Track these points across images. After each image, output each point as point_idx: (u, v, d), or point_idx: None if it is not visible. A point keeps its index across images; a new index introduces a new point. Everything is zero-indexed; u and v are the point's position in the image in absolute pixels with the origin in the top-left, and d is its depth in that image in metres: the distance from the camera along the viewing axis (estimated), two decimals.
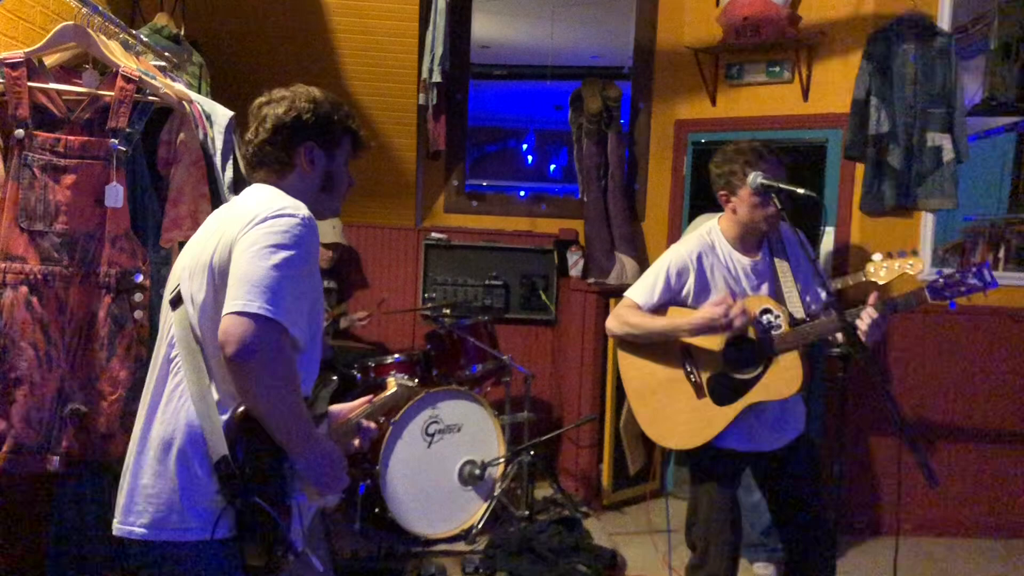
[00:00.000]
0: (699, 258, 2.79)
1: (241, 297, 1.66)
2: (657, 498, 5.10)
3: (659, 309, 2.81)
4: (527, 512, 4.43)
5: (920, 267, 2.83)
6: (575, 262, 5.32)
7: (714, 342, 2.75)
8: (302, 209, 1.81)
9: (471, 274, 5.46)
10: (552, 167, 8.82)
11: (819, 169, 4.93)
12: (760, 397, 2.71)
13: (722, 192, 2.78)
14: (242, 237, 1.74)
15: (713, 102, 5.25)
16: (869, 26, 4.66)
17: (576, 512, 4.54)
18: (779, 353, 2.68)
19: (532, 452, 4.49)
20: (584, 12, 6.03)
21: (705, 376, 2.77)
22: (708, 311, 2.65)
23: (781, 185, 2.65)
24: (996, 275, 4.93)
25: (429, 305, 5.05)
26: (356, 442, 2.12)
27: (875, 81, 4.56)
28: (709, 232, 2.85)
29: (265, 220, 1.75)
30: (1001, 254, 5.06)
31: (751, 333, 2.71)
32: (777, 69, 5.00)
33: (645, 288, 2.82)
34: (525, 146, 8.95)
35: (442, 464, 4.26)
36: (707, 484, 2.83)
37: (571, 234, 5.42)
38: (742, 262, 2.81)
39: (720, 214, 2.88)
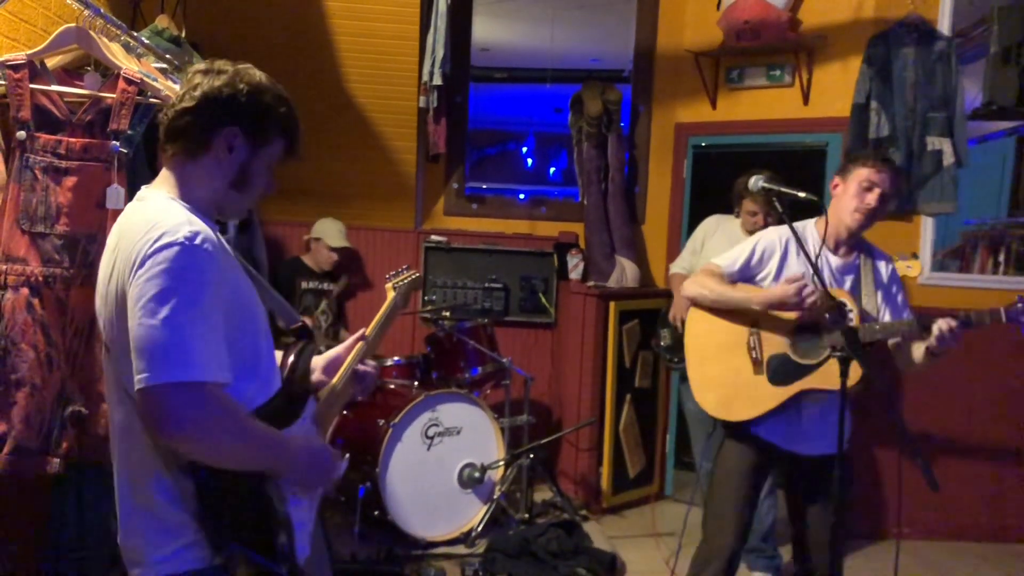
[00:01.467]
0: (787, 243, 2.87)
1: (145, 370, 1.51)
2: (657, 501, 5.11)
3: (734, 282, 2.90)
4: (526, 515, 4.43)
5: (919, 270, 2.87)
6: (575, 265, 5.32)
7: (785, 324, 2.81)
8: (181, 229, 1.58)
9: (471, 277, 5.45)
10: (552, 170, 8.81)
11: (819, 173, 4.93)
12: (816, 384, 2.75)
13: (835, 181, 2.87)
14: (130, 290, 1.57)
15: (713, 106, 5.25)
16: (869, 30, 4.66)
17: (575, 515, 4.54)
18: (866, 342, 2.71)
19: (532, 455, 4.48)
20: (584, 15, 6.03)
21: (767, 354, 2.84)
22: (784, 287, 2.72)
23: (782, 188, 2.66)
24: (996, 280, 4.97)
25: (429, 308, 5.05)
26: (356, 391, 2.09)
27: (875, 85, 4.57)
28: (805, 226, 2.92)
29: (144, 263, 1.56)
30: (1001, 258, 5.06)
31: (823, 317, 2.74)
32: (777, 73, 5.00)
33: (730, 256, 2.92)
34: (525, 149, 8.94)
35: (441, 467, 4.26)
36: (733, 464, 2.91)
37: (571, 237, 5.43)
38: (831, 259, 2.86)
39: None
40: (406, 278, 2.39)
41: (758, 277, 2.90)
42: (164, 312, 1.52)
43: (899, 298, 2.90)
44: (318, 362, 2.09)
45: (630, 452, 5.06)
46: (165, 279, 1.54)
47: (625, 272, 5.16)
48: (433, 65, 4.89)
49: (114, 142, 2.55)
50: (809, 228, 2.92)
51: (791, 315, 2.79)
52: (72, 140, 2.54)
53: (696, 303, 2.99)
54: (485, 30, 5.82)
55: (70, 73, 2.70)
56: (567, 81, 6.14)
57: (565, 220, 5.57)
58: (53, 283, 2.51)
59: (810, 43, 4.84)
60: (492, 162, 8.72)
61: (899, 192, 2.90)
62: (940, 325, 2.63)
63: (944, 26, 4.68)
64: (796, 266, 2.85)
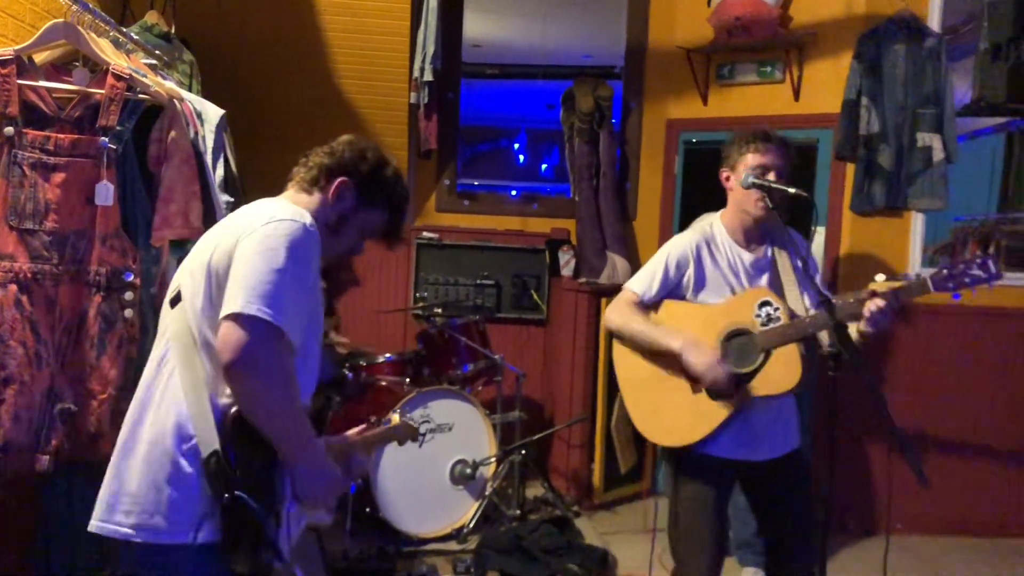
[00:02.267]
0: (698, 249, 2.77)
1: (239, 299, 1.66)
2: (649, 497, 5.11)
3: (658, 302, 2.80)
4: (518, 511, 4.43)
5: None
6: (566, 262, 5.32)
7: (711, 336, 2.70)
8: (306, 217, 1.82)
9: (463, 273, 5.45)
10: (544, 167, 8.81)
11: (810, 169, 4.94)
12: (756, 391, 2.67)
13: (724, 171, 2.79)
14: (243, 240, 1.75)
15: (704, 102, 5.25)
16: (860, 27, 4.67)
17: (567, 511, 4.55)
18: (777, 346, 2.64)
19: (523, 451, 4.49)
20: (576, 11, 6.03)
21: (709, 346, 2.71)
22: (706, 361, 2.62)
23: (772, 184, 2.65)
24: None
25: (420, 304, 5.04)
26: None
27: (866, 82, 4.58)
28: (711, 225, 2.84)
29: (268, 223, 1.76)
30: (991, 254, 5.07)
31: (750, 327, 2.67)
32: (768, 69, 5.01)
33: (645, 279, 2.80)
34: (517, 145, 8.94)
35: (433, 463, 4.26)
36: (691, 492, 2.76)
37: (563, 234, 5.43)
38: (742, 256, 2.79)
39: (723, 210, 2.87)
40: (413, 423, 2.45)
41: (680, 289, 2.79)
42: (275, 263, 1.70)
43: (817, 279, 2.74)
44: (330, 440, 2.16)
45: (621, 448, 5.02)
46: (283, 240, 1.74)
47: (616, 268, 5.16)
48: (424, 61, 4.88)
49: (103, 138, 2.53)
50: (716, 226, 2.83)
51: (718, 323, 2.70)
52: (61, 136, 2.53)
53: (613, 332, 2.86)
54: (476, 26, 5.81)
55: (58, 69, 2.68)
56: (559, 77, 6.16)
57: (557, 216, 5.56)
58: (42, 280, 2.50)
59: (801, 40, 4.84)
60: (484, 159, 8.72)
61: (792, 163, 2.76)
62: (870, 306, 2.49)
63: (934, 23, 4.70)
64: (713, 271, 2.77)
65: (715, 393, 2.69)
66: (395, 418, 2.37)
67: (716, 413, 2.69)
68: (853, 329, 2.60)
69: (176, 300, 1.85)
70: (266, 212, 1.82)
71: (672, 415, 2.76)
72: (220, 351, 1.65)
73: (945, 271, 2.50)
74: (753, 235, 2.80)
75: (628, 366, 2.86)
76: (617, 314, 2.81)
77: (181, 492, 1.70)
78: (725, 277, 2.77)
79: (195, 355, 1.76)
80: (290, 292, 1.71)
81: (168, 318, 1.86)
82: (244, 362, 1.63)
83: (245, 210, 1.90)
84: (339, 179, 1.96)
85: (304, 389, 1.86)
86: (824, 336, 2.67)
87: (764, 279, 2.78)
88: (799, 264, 2.76)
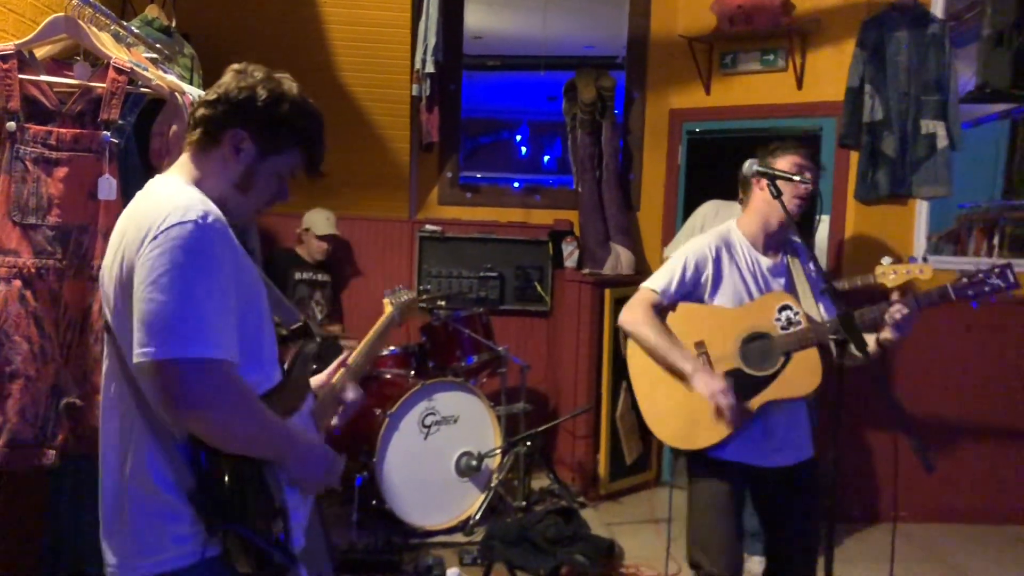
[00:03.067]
0: (717, 251, 2.75)
1: (151, 343, 1.51)
2: (655, 487, 5.12)
3: (675, 303, 2.76)
4: (524, 503, 4.43)
5: (930, 273, 2.77)
6: (570, 253, 5.31)
7: (731, 336, 2.69)
8: (193, 209, 1.59)
9: (466, 266, 5.45)
10: (546, 158, 8.80)
11: (814, 158, 4.91)
12: (777, 394, 2.65)
13: (755, 183, 2.76)
14: (138, 264, 1.56)
15: (707, 91, 5.24)
16: (863, 14, 4.65)
17: (573, 502, 4.55)
18: (798, 349, 2.64)
19: (528, 443, 4.49)
20: (577, 2, 6.01)
21: (719, 372, 2.68)
22: (713, 389, 2.59)
23: (777, 172, 2.64)
24: (990, 262, 4.98)
25: (424, 297, 5.04)
26: (334, 421, 2.03)
27: (869, 69, 4.56)
28: (728, 230, 2.82)
29: (156, 238, 1.55)
30: (995, 241, 5.07)
31: (770, 331, 2.66)
32: (771, 58, 4.99)
33: (664, 277, 2.77)
34: (519, 137, 8.92)
35: (439, 455, 4.26)
36: (707, 492, 2.72)
37: (566, 225, 5.42)
38: (760, 261, 2.77)
39: (733, 214, 2.87)
40: (404, 296, 2.36)
41: (698, 290, 2.76)
42: (176, 286, 1.52)
43: (826, 299, 2.79)
44: (317, 378, 2.08)
45: (627, 439, 5.06)
46: (178, 254, 1.54)
47: (620, 259, 5.16)
48: (426, 53, 4.87)
49: (105, 132, 2.52)
50: (734, 232, 2.81)
51: (738, 326, 2.69)
52: (63, 131, 2.52)
53: (625, 333, 2.82)
54: (478, 18, 5.79)
55: (59, 63, 2.67)
56: (560, 68, 6.13)
57: (560, 208, 5.56)
58: (46, 275, 2.50)
59: (803, 27, 4.83)
60: (486, 151, 8.70)
61: (817, 172, 2.81)
62: (894, 314, 2.54)
63: (937, 9, 4.68)
64: (731, 274, 2.74)
65: (737, 390, 2.64)
66: (386, 304, 2.28)
67: (725, 425, 2.65)
68: (872, 339, 2.63)
69: (109, 330, 1.73)
70: (155, 214, 1.59)
71: (686, 418, 2.71)
72: (157, 405, 1.55)
73: (965, 279, 2.57)
74: (771, 242, 2.80)
75: (641, 364, 2.81)
76: (632, 317, 2.76)
77: (179, 525, 1.64)
78: (744, 280, 2.75)
79: (138, 392, 1.64)
80: (206, 308, 1.54)
81: (108, 347, 1.74)
82: (186, 407, 1.51)
83: (140, 203, 1.70)
84: (231, 131, 1.72)
85: (265, 375, 1.76)
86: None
87: (781, 283, 2.78)
88: (811, 269, 2.80)
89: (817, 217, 4.18)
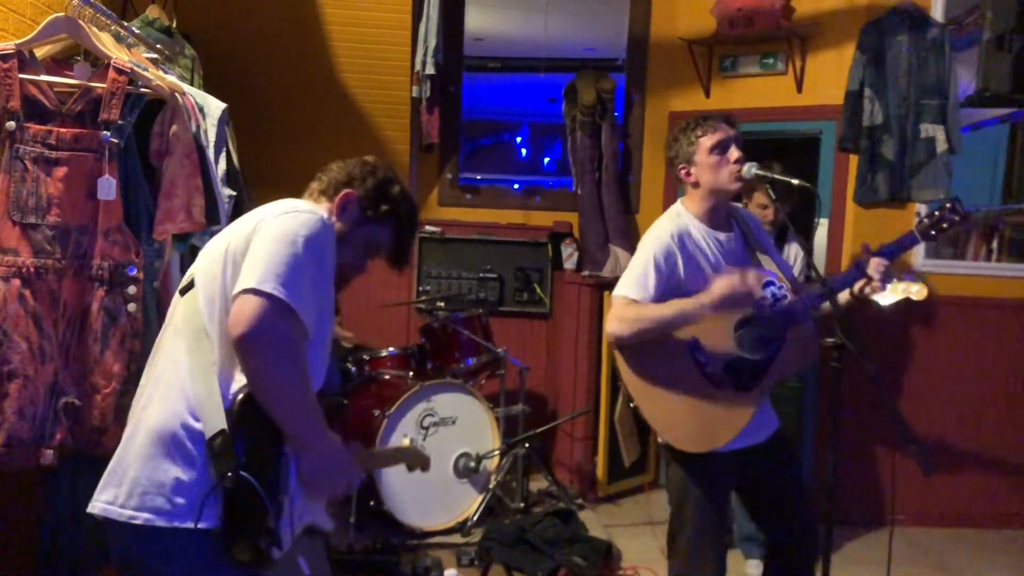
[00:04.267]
0: (680, 237, 2.66)
1: (255, 276, 1.67)
2: (653, 489, 5.12)
3: (658, 301, 2.64)
4: (522, 504, 4.44)
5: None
6: (569, 255, 5.32)
7: (722, 328, 2.62)
8: (318, 210, 1.87)
9: (465, 267, 5.45)
10: (546, 160, 8.80)
11: (813, 161, 4.93)
12: (782, 373, 2.65)
13: (682, 166, 2.71)
14: (262, 226, 1.78)
15: (707, 94, 5.24)
16: (863, 17, 4.66)
17: (571, 504, 4.55)
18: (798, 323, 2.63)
19: (527, 444, 4.49)
20: (578, 4, 6.01)
21: (720, 363, 2.62)
22: (725, 281, 2.47)
23: (776, 176, 2.64)
24: (990, 267, 5.00)
25: (423, 298, 5.04)
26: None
27: (869, 73, 4.57)
28: (678, 215, 2.74)
29: (286, 213, 1.80)
30: (995, 245, 5.07)
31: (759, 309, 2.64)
32: (771, 61, 5.00)
33: (637, 281, 2.62)
34: (519, 139, 8.93)
35: (437, 457, 4.25)
36: (702, 492, 2.68)
37: (565, 227, 5.42)
38: (718, 237, 2.72)
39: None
40: (421, 451, 2.41)
41: (673, 280, 2.63)
42: (292, 246, 1.73)
43: (780, 258, 2.80)
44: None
45: (625, 441, 5.05)
46: (302, 228, 1.77)
47: (619, 261, 5.16)
48: (426, 54, 4.88)
49: (105, 132, 2.52)
50: (684, 215, 2.74)
51: (726, 314, 2.58)
52: (62, 130, 2.52)
53: (624, 341, 2.65)
54: (478, 19, 5.80)
55: (60, 63, 2.68)
56: (560, 70, 6.13)
57: (559, 210, 5.56)
58: (45, 274, 2.50)
59: (803, 31, 4.83)
60: (486, 152, 8.70)
61: (739, 132, 2.76)
62: (875, 268, 2.60)
63: (937, 13, 4.68)
64: (697, 257, 2.67)
65: (744, 378, 2.60)
66: (406, 441, 2.36)
67: (741, 412, 2.61)
68: (844, 294, 2.66)
69: (187, 289, 1.86)
70: (285, 205, 1.87)
71: (701, 418, 2.63)
72: (232, 324, 1.65)
73: (925, 220, 2.66)
74: (721, 218, 2.75)
75: (637, 379, 2.69)
76: (617, 321, 2.63)
77: (185, 474, 1.69)
78: (709, 259, 2.68)
79: (204, 339, 1.77)
80: (304, 277, 1.71)
81: (178, 305, 1.87)
82: (256, 334, 1.64)
83: (265, 206, 1.92)
84: (345, 191, 1.98)
85: (314, 377, 1.84)
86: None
87: (745, 257, 2.73)
88: (770, 242, 2.83)
89: (816, 220, 4.18)
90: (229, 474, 1.66)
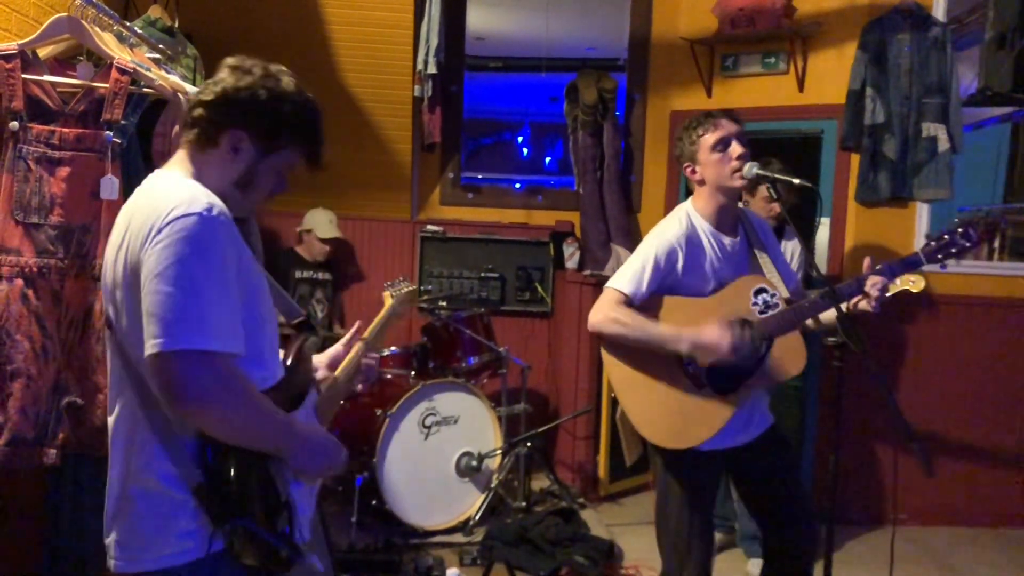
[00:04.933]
0: (686, 239, 2.67)
1: (158, 335, 1.51)
2: (654, 488, 5.11)
3: (647, 300, 2.66)
4: (524, 503, 4.44)
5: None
6: (571, 254, 5.32)
7: (713, 323, 2.59)
8: (198, 202, 1.59)
9: (467, 266, 5.45)
10: (547, 159, 8.82)
11: (815, 160, 4.93)
12: (765, 381, 2.64)
13: (688, 164, 2.72)
14: (144, 258, 1.56)
15: (709, 93, 5.24)
16: (864, 16, 4.66)
17: (573, 503, 4.55)
18: (780, 333, 2.61)
19: (529, 444, 4.49)
20: (579, 4, 6.02)
21: (704, 366, 2.61)
22: (715, 337, 2.50)
23: (777, 175, 2.64)
24: (992, 266, 4.99)
25: (425, 298, 5.05)
26: (359, 386, 2.06)
27: (871, 72, 4.57)
28: (687, 215, 2.74)
29: (160, 231, 1.55)
30: (996, 244, 5.07)
31: (750, 316, 2.63)
32: (772, 60, 5.00)
33: (632, 277, 2.64)
34: (520, 138, 8.94)
35: (439, 456, 4.26)
36: (686, 490, 2.69)
37: (567, 226, 5.42)
38: (723, 241, 2.72)
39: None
40: (404, 288, 2.37)
41: (669, 281, 2.65)
42: (182, 279, 1.52)
43: (785, 264, 2.80)
44: (320, 359, 2.10)
45: (627, 440, 5.02)
46: (183, 246, 1.54)
47: (621, 260, 5.13)
48: (428, 54, 4.88)
49: (108, 132, 2.54)
50: (693, 216, 2.73)
51: (715, 316, 2.56)
52: (65, 130, 2.53)
53: (606, 338, 2.68)
54: (480, 19, 5.81)
55: (62, 63, 2.69)
56: (562, 70, 6.15)
57: (561, 209, 5.56)
58: (48, 274, 2.51)
59: (805, 30, 4.83)
60: (487, 152, 8.72)
61: (743, 128, 2.74)
62: (872, 286, 2.54)
63: (939, 12, 4.68)
64: (700, 261, 2.67)
65: (724, 384, 2.61)
66: (386, 298, 2.30)
67: (720, 414, 2.62)
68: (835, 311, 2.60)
69: (110, 325, 1.74)
70: (157, 208, 1.59)
71: (678, 417, 2.65)
72: (160, 395, 1.54)
73: (933, 243, 2.60)
74: (728, 219, 2.74)
75: (620, 371, 2.72)
76: (603, 316, 2.64)
77: (183, 519, 1.65)
78: (712, 265, 2.69)
79: (142, 387, 1.66)
80: (209, 300, 1.54)
81: (111, 346, 1.75)
82: (187, 399, 1.51)
83: (140, 198, 1.70)
84: (230, 131, 1.71)
85: (267, 371, 1.77)
86: (828, 316, 2.63)
87: (746, 263, 2.74)
88: (776, 246, 2.80)
89: (817, 219, 4.18)
90: (226, 525, 1.62)
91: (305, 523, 1.80)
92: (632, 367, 2.69)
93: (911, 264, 2.60)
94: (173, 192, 1.62)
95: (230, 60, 1.76)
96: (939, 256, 2.60)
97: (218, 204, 1.62)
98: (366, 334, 2.17)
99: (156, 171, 1.78)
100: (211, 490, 1.61)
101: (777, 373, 2.64)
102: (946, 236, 2.60)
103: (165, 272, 1.52)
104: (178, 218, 1.55)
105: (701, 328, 2.53)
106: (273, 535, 1.67)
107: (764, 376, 2.64)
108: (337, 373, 2.07)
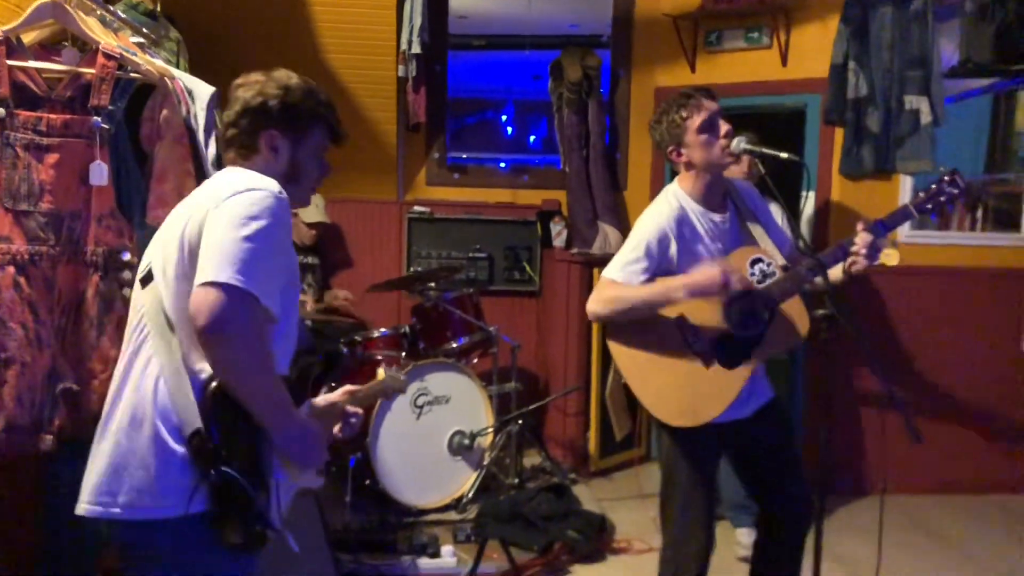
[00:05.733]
0: (677, 222, 2.68)
1: (212, 268, 1.64)
2: (644, 463, 5.18)
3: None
4: (516, 480, 4.48)
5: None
6: (558, 232, 5.34)
7: (709, 307, 2.65)
8: (274, 185, 1.80)
9: (455, 247, 5.47)
10: (532, 138, 8.79)
11: (799, 134, 4.96)
12: (771, 350, 2.66)
13: (672, 148, 2.72)
14: (213, 212, 1.73)
15: (692, 69, 5.25)
16: None
17: (564, 479, 4.60)
18: (781, 301, 2.63)
19: (520, 421, 4.53)
20: None
21: (708, 341, 2.65)
22: (706, 273, 2.53)
23: (764, 149, 2.65)
24: (974, 236, 5.03)
25: (402, 377, 5.02)
26: (336, 429, 2.10)
27: (853, 45, 4.59)
28: (675, 197, 2.74)
29: (236, 194, 1.74)
30: (979, 215, 5.12)
31: (749, 287, 2.64)
32: (756, 35, 5.01)
33: (625, 265, 2.66)
34: (504, 117, 8.91)
35: (431, 435, 4.29)
36: (691, 466, 2.72)
37: (554, 204, 5.44)
38: (713, 218, 2.74)
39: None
40: (400, 374, 2.43)
41: (664, 265, 2.66)
42: (246, 230, 1.69)
43: (777, 227, 2.81)
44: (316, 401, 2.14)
45: (616, 416, 5.11)
46: (254, 209, 1.72)
47: (608, 238, 5.19)
48: (411, 33, 4.87)
49: (96, 118, 2.52)
50: (681, 196, 2.74)
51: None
52: (52, 116, 2.51)
53: (612, 328, 2.74)
54: None
55: (47, 49, 2.67)
56: (545, 48, 6.12)
57: (547, 188, 5.58)
58: (39, 261, 2.50)
59: (788, 4, 4.84)
60: (472, 131, 8.68)
61: (719, 103, 2.76)
62: (859, 243, 2.56)
63: None
64: (693, 241, 2.69)
65: (732, 356, 2.63)
66: (380, 372, 2.36)
67: (734, 380, 2.64)
68: (838, 270, 2.64)
69: (147, 279, 1.84)
70: (236, 182, 1.79)
71: (689, 394, 2.67)
72: (193, 316, 1.64)
73: (922, 194, 2.63)
74: (717, 197, 2.76)
75: (627, 357, 2.74)
76: (602, 302, 2.68)
77: (170, 469, 1.71)
78: (705, 244, 2.71)
79: (171, 335, 1.75)
80: (263, 260, 1.69)
81: (141, 297, 1.85)
82: (218, 326, 1.62)
83: (212, 183, 1.90)
84: (263, 135, 1.92)
85: (282, 356, 1.87)
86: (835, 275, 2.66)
87: (739, 236, 2.76)
88: (764, 207, 2.82)
89: (803, 193, 4.21)
90: (212, 472, 1.69)
91: (276, 511, 1.83)
92: (638, 350, 2.71)
93: (901, 218, 2.63)
94: (245, 176, 1.83)
95: (237, 81, 1.98)
96: (929, 206, 2.61)
97: (284, 193, 1.81)
98: (361, 389, 2.22)
99: (226, 168, 1.96)
100: (205, 439, 1.69)
101: (784, 338, 2.66)
102: (934, 186, 2.62)
103: (235, 222, 1.69)
104: (254, 190, 1.76)
105: (698, 272, 2.56)
106: (254, 491, 1.73)
107: (771, 343, 2.66)
108: (318, 400, 2.11)
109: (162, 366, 1.74)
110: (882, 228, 2.60)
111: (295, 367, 1.97)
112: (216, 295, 1.62)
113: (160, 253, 1.83)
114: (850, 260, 2.61)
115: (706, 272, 2.54)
